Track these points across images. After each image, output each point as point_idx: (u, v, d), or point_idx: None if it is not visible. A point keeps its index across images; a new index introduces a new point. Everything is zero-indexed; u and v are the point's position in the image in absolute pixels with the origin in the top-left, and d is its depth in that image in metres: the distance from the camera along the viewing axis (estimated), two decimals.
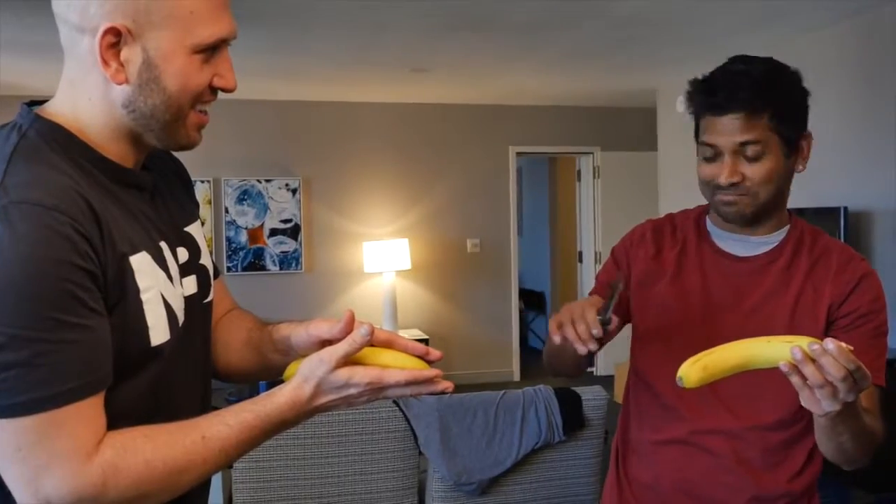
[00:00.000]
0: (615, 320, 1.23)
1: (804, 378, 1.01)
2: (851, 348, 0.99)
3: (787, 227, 1.41)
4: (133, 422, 0.91)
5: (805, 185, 4.55)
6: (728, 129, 1.28)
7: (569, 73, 5.62)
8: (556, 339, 1.19)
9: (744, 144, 1.28)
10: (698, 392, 1.38)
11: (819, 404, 1.03)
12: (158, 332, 0.95)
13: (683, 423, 1.39)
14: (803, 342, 0.99)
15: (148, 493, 0.88)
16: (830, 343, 0.98)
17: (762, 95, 1.27)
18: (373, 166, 6.66)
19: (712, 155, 1.32)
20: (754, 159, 1.29)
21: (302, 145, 6.51)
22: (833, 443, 1.21)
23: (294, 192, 6.45)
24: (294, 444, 2.68)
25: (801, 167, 1.36)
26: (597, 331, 1.16)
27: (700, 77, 1.35)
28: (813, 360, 0.99)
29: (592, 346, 1.17)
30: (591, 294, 1.54)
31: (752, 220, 1.37)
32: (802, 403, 1.05)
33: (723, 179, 1.30)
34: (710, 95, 1.30)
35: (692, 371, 1.05)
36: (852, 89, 4.31)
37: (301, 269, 6.49)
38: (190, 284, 1.06)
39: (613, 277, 1.52)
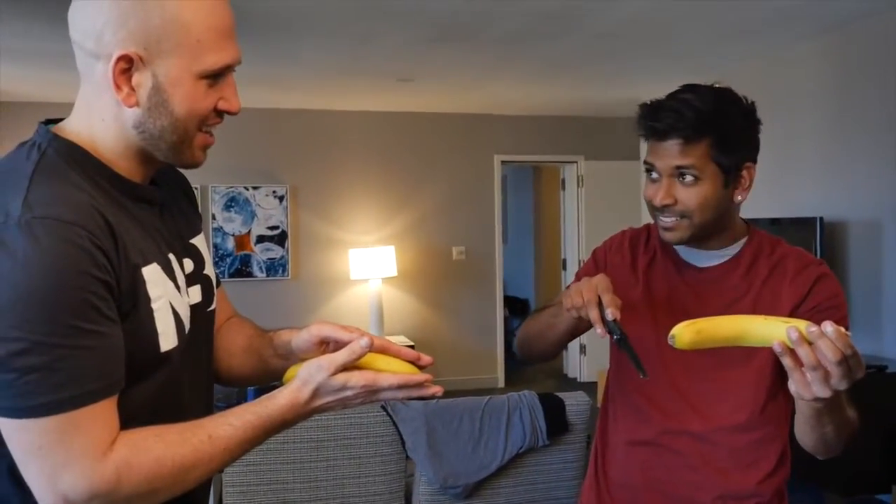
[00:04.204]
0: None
1: (797, 360, 1.00)
2: (849, 333, 0.99)
3: (745, 238, 1.47)
4: (143, 423, 0.96)
5: (782, 195, 4.71)
6: (667, 152, 1.35)
7: (552, 83, 5.71)
8: (573, 314, 1.29)
9: (679, 168, 1.34)
10: (667, 394, 1.44)
11: (809, 388, 1.01)
12: (167, 339, 1.01)
13: (653, 425, 1.45)
14: (801, 324, 0.99)
15: (158, 489, 0.94)
16: (829, 326, 0.97)
17: (702, 124, 1.32)
18: (359, 174, 6.71)
19: (655, 176, 1.39)
20: (689, 184, 1.34)
21: (289, 153, 6.56)
22: (816, 433, 1.23)
23: (281, 199, 6.50)
24: (283, 448, 2.72)
25: (739, 197, 1.40)
26: (611, 312, 1.25)
27: (648, 102, 1.40)
28: (809, 343, 0.98)
29: (610, 315, 1.25)
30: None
31: (692, 243, 1.42)
32: (791, 388, 1.04)
33: (657, 201, 1.37)
34: (652, 120, 1.35)
35: (686, 332, 1.05)
36: (828, 103, 4.42)
37: (288, 275, 6.53)
38: (195, 293, 1.12)
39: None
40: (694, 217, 1.36)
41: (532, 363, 1.69)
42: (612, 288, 1.29)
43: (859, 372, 1.00)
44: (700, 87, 1.38)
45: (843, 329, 0.98)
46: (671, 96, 1.37)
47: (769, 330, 1.02)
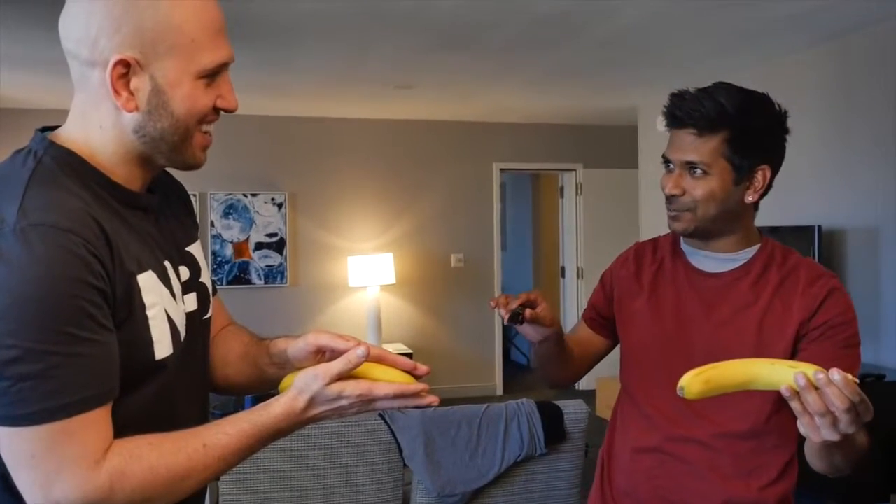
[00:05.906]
0: (526, 321, 1.41)
1: (804, 404, 1.00)
2: (857, 381, 0.99)
3: (758, 245, 1.47)
4: (137, 431, 0.96)
5: (781, 203, 4.70)
6: (681, 144, 1.39)
7: (551, 91, 5.72)
8: (492, 303, 1.40)
9: (689, 163, 1.37)
10: (671, 401, 1.44)
11: (818, 432, 1.01)
12: (162, 347, 1.01)
13: (658, 432, 1.46)
14: (809, 370, 0.99)
15: (152, 498, 0.93)
16: (836, 374, 0.97)
17: (720, 118, 1.34)
18: (358, 181, 6.72)
19: (671, 167, 1.42)
20: (698, 177, 1.37)
21: (288, 160, 6.56)
22: (825, 462, 1.24)
23: (280, 206, 6.50)
24: (280, 456, 2.71)
25: (750, 197, 1.41)
26: (504, 312, 1.37)
27: (677, 90, 1.43)
28: (816, 389, 0.98)
29: (504, 317, 1.37)
30: (583, 317, 1.67)
31: (697, 236, 1.44)
32: (801, 430, 1.04)
33: (666, 190, 1.41)
34: (674, 107, 1.39)
35: (694, 383, 1.05)
36: (827, 111, 4.43)
37: (286, 282, 6.52)
38: (191, 301, 1.11)
39: (601, 301, 1.63)
40: (698, 209, 1.39)
41: (559, 387, 1.76)
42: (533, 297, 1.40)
43: (867, 416, 1.00)
44: (732, 85, 1.39)
45: (850, 376, 0.98)
46: (701, 88, 1.40)
47: (777, 375, 1.02)
